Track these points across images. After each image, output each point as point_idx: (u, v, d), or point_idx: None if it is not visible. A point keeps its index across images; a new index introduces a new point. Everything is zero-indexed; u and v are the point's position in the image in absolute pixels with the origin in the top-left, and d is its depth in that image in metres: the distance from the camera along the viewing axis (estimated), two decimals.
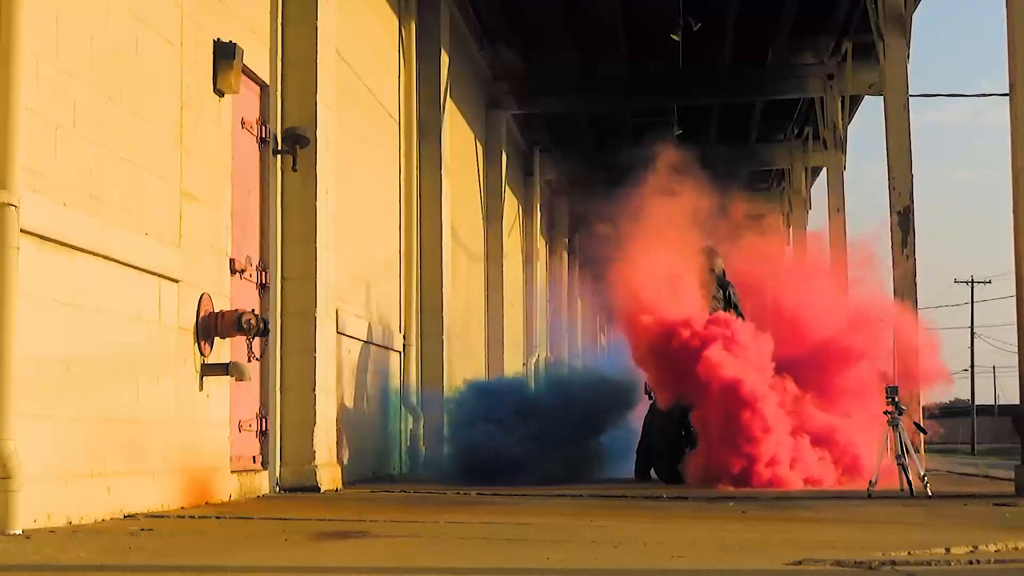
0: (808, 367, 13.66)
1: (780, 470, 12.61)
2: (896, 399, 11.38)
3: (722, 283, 14.34)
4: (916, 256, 16.69)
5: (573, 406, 14.03)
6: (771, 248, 16.20)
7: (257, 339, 9.96)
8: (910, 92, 17.40)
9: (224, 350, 9.37)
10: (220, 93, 9.46)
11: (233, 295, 9.69)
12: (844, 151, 24.87)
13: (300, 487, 10.57)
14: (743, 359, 13.01)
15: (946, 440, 62.84)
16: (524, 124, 25.23)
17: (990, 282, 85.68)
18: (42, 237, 6.82)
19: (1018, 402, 12.07)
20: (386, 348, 14.70)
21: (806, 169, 28.67)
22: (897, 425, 11.26)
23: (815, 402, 13.46)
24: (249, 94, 10.35)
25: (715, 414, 12.80)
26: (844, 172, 24.87)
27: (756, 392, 12.75)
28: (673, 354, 13.09)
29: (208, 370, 9.08)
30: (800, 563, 5.51)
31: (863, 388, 13.67)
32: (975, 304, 75.90)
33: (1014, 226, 11.10)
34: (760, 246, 15.03)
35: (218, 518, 7.80)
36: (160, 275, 8.33)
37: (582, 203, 29.91)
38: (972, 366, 75.20)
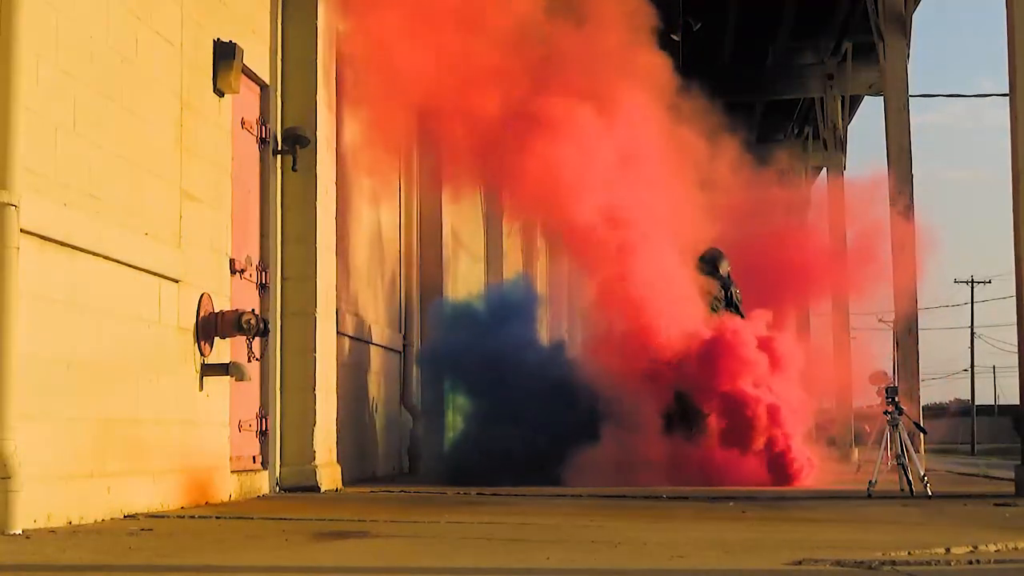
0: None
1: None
2: (896, 399, 11.39)
3: (725, 284, 14.41)
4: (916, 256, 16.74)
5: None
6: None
7: (257, 339, 9.95)
8: (910, 92, 17.44)
9: (224, 350, 9.37)
10: (220, 93, 9.45)
11: (233, 295, 9.68)
12: (844, 151, 24.90)
13: (300, 487, 10.56)
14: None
15: (946, 440, 62.84)
16: None
17: (990, 282, 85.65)
18: (42, 237, 6.81)
19: (1018, 402, 12.09)
20: (386, 348, 14.70)
21: (806, 169, 28.70)
22: (897, 425, 11.27)
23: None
24: (249, 94, 10.35)
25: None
26: (844, 172, 24.92)
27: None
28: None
29: (208, 370, 9.07)
30: (800, 563, 5.51)
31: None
32: (975, 304, 75.88)
33: (1014, 226, 11.11)
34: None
35: (218, 518, 7.79)
36: (160, 275, 8.33)
37: None
38: (972, 366, 75.17)
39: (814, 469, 13.36)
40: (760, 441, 13.02)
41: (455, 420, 15.38)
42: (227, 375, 9.25)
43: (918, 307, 16.69)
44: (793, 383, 13.73)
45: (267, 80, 10.63)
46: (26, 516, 6.47)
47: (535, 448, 12.96)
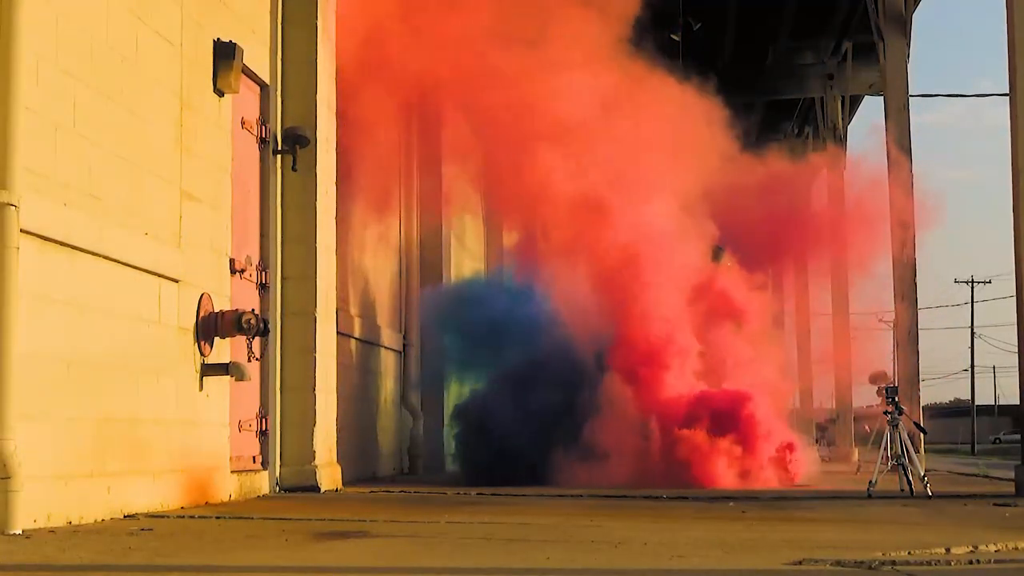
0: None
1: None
2: (896, 399, 11.39)
3: None
4: (916, 256, 16.75)
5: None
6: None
7: (257, 339, 9.95)
8: (910, 92, 17.45)
9: (224, 350, 9.37)
10: (220, 93, 9.45)
11: (233, 295, 9.68)
12: (844, 151, 24.92)
13: (300, 487, 10.56)
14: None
15: (946, 440, 62.87)
16: None
17: (990, 282, 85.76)
18: (42, 237, 6.81)
19: (1018, 402, 12.12)
20: (386, 348, 14.70)
21: (806, 168, 28.72)
22: (897, 425, 11.28)
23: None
24: (249, 94, 10.35)
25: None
26: (844, 171, 24.95)
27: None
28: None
29: (208, 370, 9.07)
30: (800, 563, 5.52)
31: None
32: (975, 304, 75.90)
33: (1014, 226, 11.12)
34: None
35: (218, 518, 7.79)
36: (160, 275, 8.33)
37: None
38: (972, 366, 75.19)
39: (795, 453, 13.22)
40: (661, 366, 12.96)
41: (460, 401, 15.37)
42: (227, 375, 9.25)
43: (918, 303, 16.67)
44: (747, 341, 13.70)
45: (267, 80, 10.63)
46: (26, 516, 6.47)
47: (534, 440, 13.02)
